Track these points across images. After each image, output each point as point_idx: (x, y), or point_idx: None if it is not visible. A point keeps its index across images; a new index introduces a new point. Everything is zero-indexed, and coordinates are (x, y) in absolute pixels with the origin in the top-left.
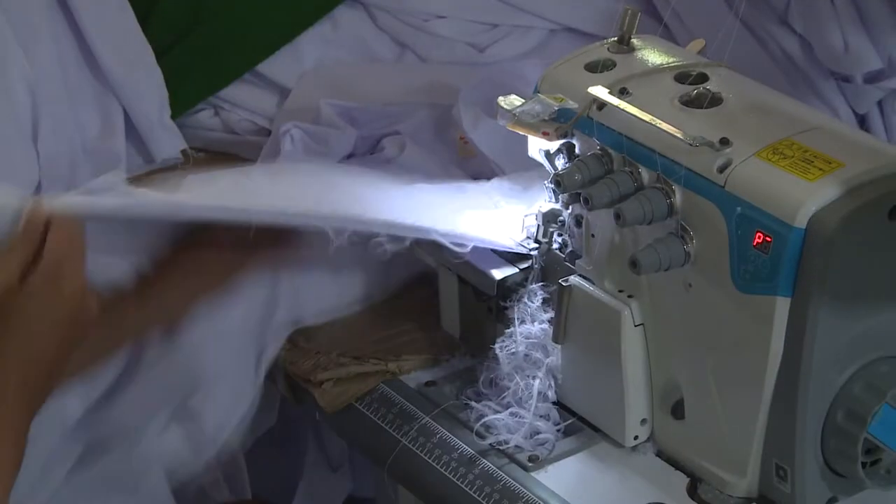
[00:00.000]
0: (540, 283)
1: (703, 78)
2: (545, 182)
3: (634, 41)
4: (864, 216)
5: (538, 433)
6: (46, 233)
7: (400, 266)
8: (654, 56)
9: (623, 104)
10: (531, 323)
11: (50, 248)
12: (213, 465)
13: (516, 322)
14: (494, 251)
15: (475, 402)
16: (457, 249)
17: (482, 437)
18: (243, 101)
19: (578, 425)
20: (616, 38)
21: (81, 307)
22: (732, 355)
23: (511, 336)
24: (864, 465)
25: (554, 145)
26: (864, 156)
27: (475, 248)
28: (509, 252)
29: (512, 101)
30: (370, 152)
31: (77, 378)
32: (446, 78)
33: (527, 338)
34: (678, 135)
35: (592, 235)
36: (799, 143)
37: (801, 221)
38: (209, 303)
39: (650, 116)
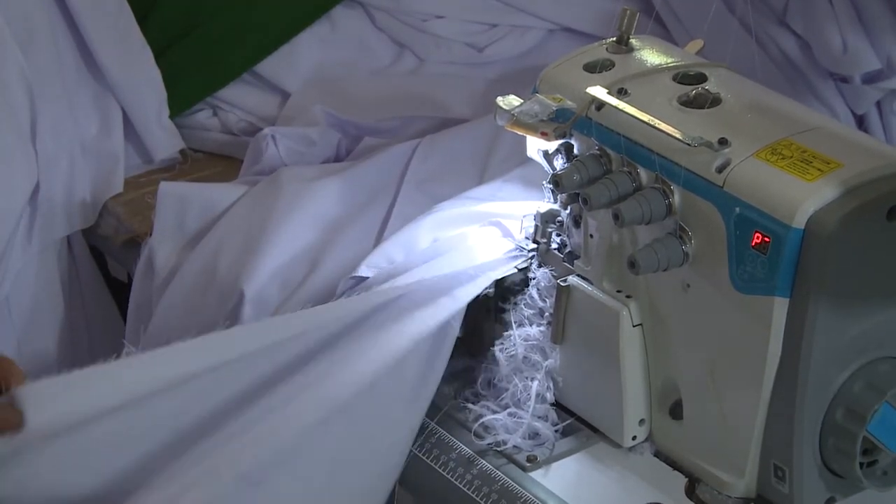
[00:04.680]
0: (536, 284)
1: (701, 78)
2: (544, 182)
3: (633, 41)
4: (863, 216)
5: (536, 433)
6: None
7: None
8: (652, 56)
9: (622, 104)
10: (529, 325)
11: None
12: None
13: (514, 325)
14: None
15: (473, 402)
16: None
17: (480, 438)
18: (241, 101)
19: (577, 425)
20: (615, 39)
21: None
22: (731, 356)
23: (510, 338)
24: (861, 465)
25: (552, 146)
26: (863, 156)
27: None
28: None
29: (510, 101)
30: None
31: None
32: (444, 89)
33: (525, 340)
34: (677, 135)
35: (591, 236)
36: (797, 143)
37: (799, 222)
38: None
39: (649, 117)
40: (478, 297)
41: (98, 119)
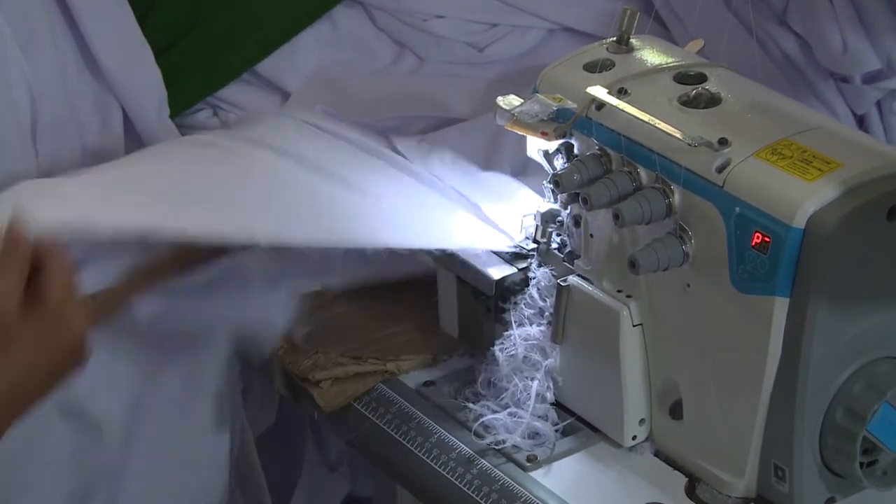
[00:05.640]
0: (536, 283)
1: (701, 78)
2: (544, 182)
3: (633, 41)
4: (863, 216)
5: (536, 433)
6: (34, 256)
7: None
8: (652, 56)
9: (622, 104)
10: (530, 325)
11: (48, 284)
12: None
13: (514, 325)
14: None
15: (473, 402)
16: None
17: (480, 437)
18: (242, 101)
19: (577, 425)
20: (615, 39)
21: (79, 338)
22: (731, 356)
23: (510, 338)
24: (861, 465)
25: (553, 145)
26: (863, 156)
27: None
28: (508, 251)
29: (511, 100)
30: None
31: None
32: (444, 89)
33: (525, 339)
34: (677, 135)
35: (591, 235)
36: (798, 143)
37: (799, 222)
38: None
39: (649, 116)
40: (477, 297)
41: (98, 119)
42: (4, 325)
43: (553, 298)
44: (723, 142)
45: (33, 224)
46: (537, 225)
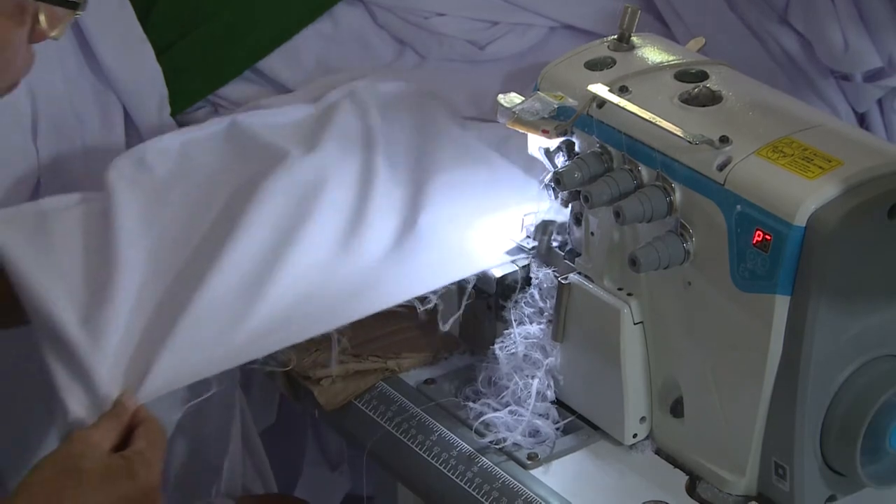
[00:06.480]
0: (538, 284)
1: (703, 76)
2: (545, 181)
3: (634, 39)
4: (864, 214)
5: (537, 431)
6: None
7: None
8: (654, 54)
9: (623, 102)
10: (530, 323)
11: (139, 450)
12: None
13: (514, 324)
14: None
15: (474, 400)
16: None
17: (481, 435)
18: (243, 98)
19: (578, 423)
20: (616, 36)
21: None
22: (732, 353)
23: (510, 336)
24: (862, 463)
25: (554, 143)
26: (864, 154)
27: None
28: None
29: (512, 98)
30: None
31: None
32: (446, 87)
33: (526, 338)
34: (678, 133)
35: (592, 233)
36: (799, 141)
37: (800, 220)
38: None
39: (650, 114)
40: (478, 295)
41: (99, 117)
42: (87, 467)
43: (554, 299)
44: (724, 140)
45: (141, 396)
46: (538, 223)
